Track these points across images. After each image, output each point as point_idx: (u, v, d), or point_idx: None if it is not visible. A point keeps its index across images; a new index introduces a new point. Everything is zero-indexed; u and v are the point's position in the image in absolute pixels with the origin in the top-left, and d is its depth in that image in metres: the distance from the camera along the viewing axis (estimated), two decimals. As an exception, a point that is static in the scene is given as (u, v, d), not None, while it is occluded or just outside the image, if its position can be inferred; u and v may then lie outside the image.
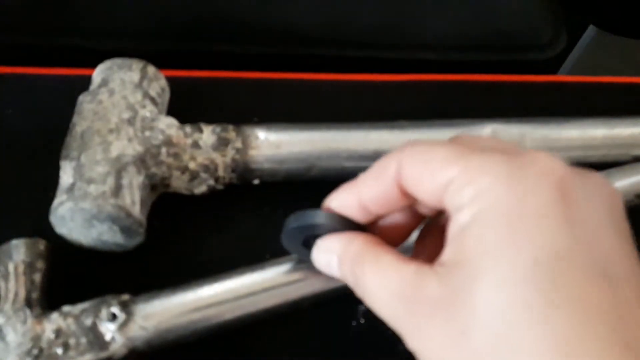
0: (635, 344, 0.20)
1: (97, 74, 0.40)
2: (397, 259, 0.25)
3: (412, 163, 0.25)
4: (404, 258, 0.25)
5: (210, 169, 0.38)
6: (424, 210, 0.28)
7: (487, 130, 0.41)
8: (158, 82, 0.40)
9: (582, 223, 0.22)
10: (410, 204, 0.27)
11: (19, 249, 0.34)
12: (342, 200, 0.28)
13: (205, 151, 0.38)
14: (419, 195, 0.25)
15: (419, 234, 0.30)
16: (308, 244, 0.30)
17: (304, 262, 0.33)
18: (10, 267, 0.33)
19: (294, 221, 0.29)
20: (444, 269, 0.23)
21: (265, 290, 0.34)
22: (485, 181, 0.22)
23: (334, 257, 0.28)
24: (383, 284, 0.25)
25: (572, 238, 0.22)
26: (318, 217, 0.28)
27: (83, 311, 0.32)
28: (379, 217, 0.28)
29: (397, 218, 0.29)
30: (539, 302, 0.20)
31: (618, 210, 0.24)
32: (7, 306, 0.32)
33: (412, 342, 0.24)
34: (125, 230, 0.35)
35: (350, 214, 0.27)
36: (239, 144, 0.38)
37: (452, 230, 0.23)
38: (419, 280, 0.23)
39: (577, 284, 0.21)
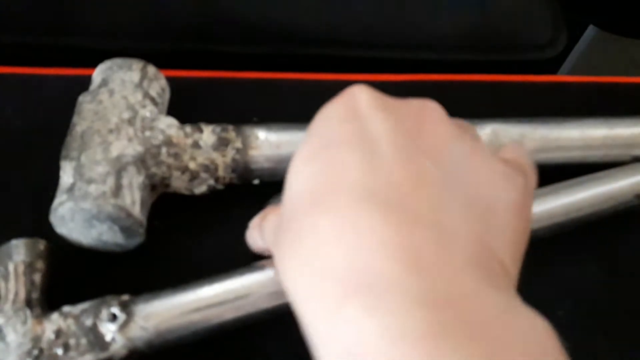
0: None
1: (97, 74, 0.40)
2: None
3: None
4: None
5: (210, 169, 0.38)
6: None
7: (487, 130, 0.41)
8: (158, 82, 0.40)
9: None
10: None
11: (19, 249, 0.34)
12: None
13: (205, 151, 0.38)
14: None
15: None
16: None
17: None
18: (10, 267, 0.33)
19: None
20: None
21: (266, 290, 0.34)
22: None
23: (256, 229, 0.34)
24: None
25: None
26: None
27: (83, 311, 0.32)
28: None
29: None
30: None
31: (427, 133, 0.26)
32: (7, 306, 0.32)
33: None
34: (125, 230, 0.35)
35: None
36: (239, 144, 0.38)
37: None
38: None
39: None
